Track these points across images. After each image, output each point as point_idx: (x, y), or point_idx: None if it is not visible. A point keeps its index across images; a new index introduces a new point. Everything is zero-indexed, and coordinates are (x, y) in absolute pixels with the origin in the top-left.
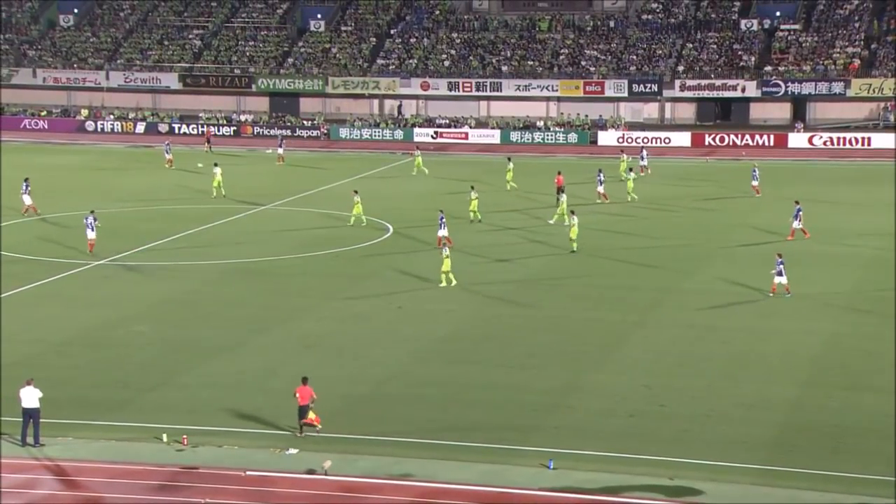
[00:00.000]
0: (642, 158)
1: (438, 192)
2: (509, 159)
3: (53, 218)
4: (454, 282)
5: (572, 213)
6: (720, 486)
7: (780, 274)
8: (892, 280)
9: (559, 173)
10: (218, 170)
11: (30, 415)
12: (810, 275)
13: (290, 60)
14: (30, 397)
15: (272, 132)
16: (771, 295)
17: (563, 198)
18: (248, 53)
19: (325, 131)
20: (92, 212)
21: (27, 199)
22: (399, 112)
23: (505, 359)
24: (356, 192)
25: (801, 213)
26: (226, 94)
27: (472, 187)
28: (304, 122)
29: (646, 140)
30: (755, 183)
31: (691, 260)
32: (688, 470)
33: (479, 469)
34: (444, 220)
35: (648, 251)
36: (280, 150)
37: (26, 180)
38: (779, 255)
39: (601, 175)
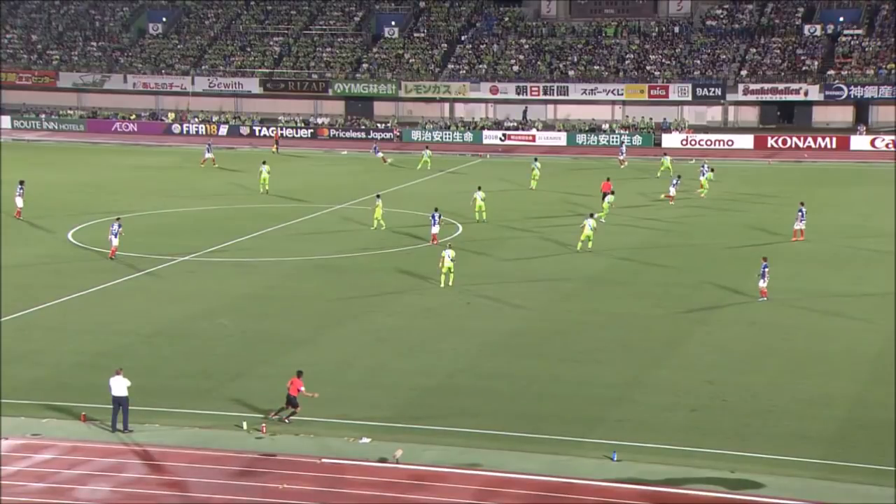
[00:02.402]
0: (702, 174)
1: (503, 192)
2: (536, 159)
3: (140, 216)
4: (448, 281)
5: (591, 215)
6: (780, 479)
7: (762, 276)
8: None
9: (608, 179)
10: (265, 167)
11: (119, 402)
12: (871, 274)
13: (365, 66)
14: (119, 386)
15: (347, 134)
16: (762, 299)
17: (610, 198)
18: (325, 59)
19: (398, 134)
20: (118, 219)
21: (19, 202)
22: (524, 116)
23: (571, 353)
24: (379, 196)
25: (803, 213)
26: (303, 98)
27: (480, 188)
28: (378, 125)
29: (708, 143)
30: (702, 178)
31: (753, 259)
32: (748, 463)
33: (545, 460)
34: (438, 217)
35: (708, 250)
36: (380, 154)
37: (21, 183)
38: (764, 258)
39: (676, 180)
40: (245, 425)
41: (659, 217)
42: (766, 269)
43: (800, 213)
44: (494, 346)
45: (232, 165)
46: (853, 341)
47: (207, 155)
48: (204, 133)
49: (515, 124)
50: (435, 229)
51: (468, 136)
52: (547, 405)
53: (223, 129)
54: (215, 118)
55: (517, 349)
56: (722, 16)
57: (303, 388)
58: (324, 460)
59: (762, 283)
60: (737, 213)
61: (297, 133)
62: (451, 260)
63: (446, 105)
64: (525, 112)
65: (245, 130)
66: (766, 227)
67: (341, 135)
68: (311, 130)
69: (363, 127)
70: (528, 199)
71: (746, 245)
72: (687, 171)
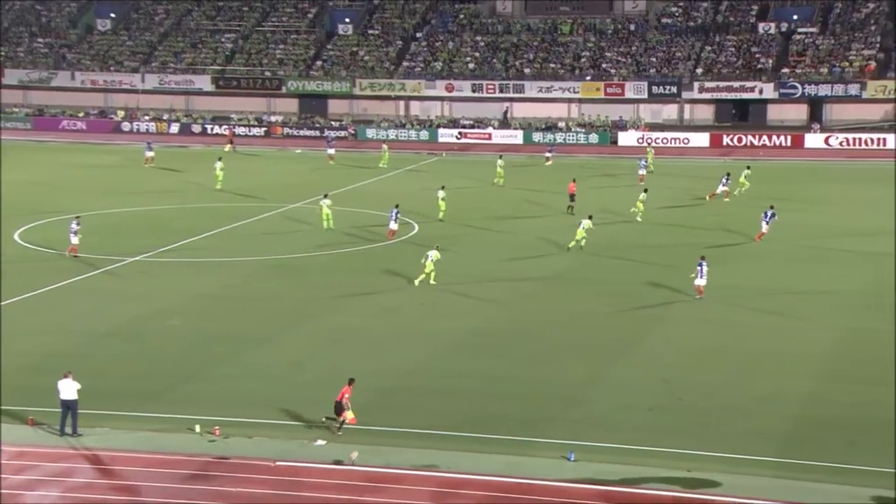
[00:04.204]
0: (723, 184)
1: (465, 190)
2: (501, 157)
3: (91, 215)
4: (427, 281)
5: (590, 217)
6: (737, 478)
7: (702, 275)
8: None
9: (574, 181)
10: (219, 164)
11: (68, 406)
12: (825, 272)
13: (319, 63)
14: (68, 389)
15: (301, 132)
16: (699, 297)
17: (644, 196)
18: (278, 56)
19: (353, 132)
20: (77, 217)
21: None
22: (505, 116)
23: (528, 353)
24: (326, 195)
25: (770, 216)
26: (256, 96)
27: (443, 187)
28: (332, 123)
29: (665, 141)
30: (642, 172)
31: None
32: (705, 462)
33: (501, 460)
34: (396, 214)
35: (668, 250)
36: (331, 151)
37: None
38: (702, 257)
39: (725, 178)
40: (198, 428)
41: (626, 216)
42: (703, 268)
43: (769, 215)
44: (451, 346)
45: (184, 164)
46: (806, 339)
47: (148, 153)
48: (155, 131)
49: (471, 122)
50: (393, 226)
51: (424, 135)
52: (504, 405)
53: (174, 128)
54: (166, 116)
55: (474, 349)
56: (677, 14)
57: (347, 396)
58: (278, 463)
59: (699, 282)
60: (708, 213)
61: (249, 131)
62: (433, 261)
63: (401, 103)
64: (506, 112)
65: (197, 129)
66: (730, 226)
67: (295, 133)
68: (265, 129)
69: (317, 125)
70: (491, 196)
71: (704, 244)
72: (714, 171)
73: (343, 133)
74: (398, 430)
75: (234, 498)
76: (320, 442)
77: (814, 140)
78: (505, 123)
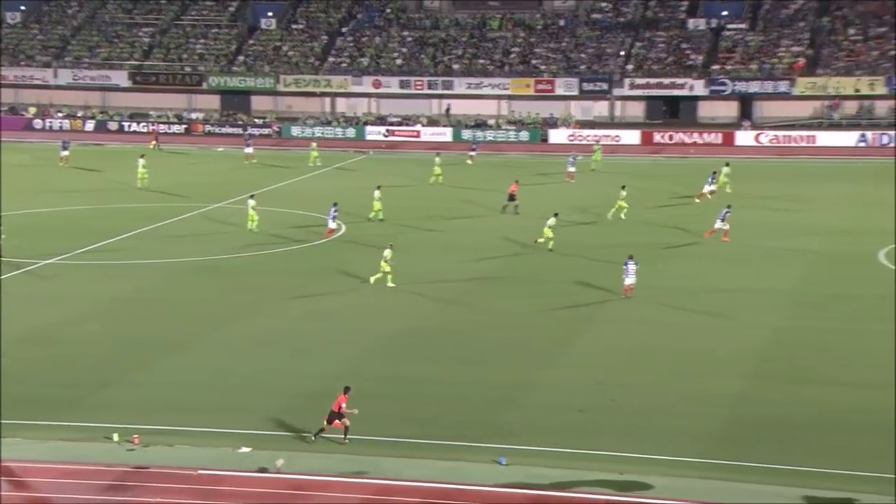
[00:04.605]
0: (709, 183)
1: (395, 190)
2: (438, 155)
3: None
4: (385, 281)
5: (556, 214)
6: (669, 479)
7: (629, 275)
8: (836, 276)
9: (516, 182)
10: (141, 161)
11: None
12: (755, 270)
13: (242, 58)
14: None
15: (223, 130)
16: (627, 296)
17: (623, 193)
18: (198, 51)
19: (277, 129)
20: None
21: None
22: (447, 112)
23: (457, 355)
24: (252, 196)
25: (728, 215)
26: (176, 92)
27: (379, 186)
28: (256, 121)
29: (595, 138)
30: (571, 170)
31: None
32: (637, 464)
33: (431, 465)
34: (335, 212)
35: (603, 249)
36: (249, 150)
37: None
38: (630, 256)
39: (712, 177)
40: (116, 437)
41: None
42: (630, 267)
43: (723, 213)
44: (381, 348)
45: (101, 163)
46: (737, 338)
47: (63, 153)
48: (69, 129)
49: (399, 119)
50: (332, 224)
51: (351, 132)
52: (434, 408)
53: (90, 125)
54: (81, 113)
55: (404, 351)
56: (607, 9)
57: (344, 405)
58: (200, 472)
59: (627, 281)
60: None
61: (169, 129)
62: (386, 260)
63: (327, 100)
64: (448, 109)
65: (113, 126)
66: (688, 226)
67: (217, 131)
68: (185, 126)
69: (240, 122)
70: (427, 195)
71: (637, 244)
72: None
73: (267, 131)
74: (325, 435)
75: None
76: (245, 449)
77: (744, 137)
78: (434, 121)
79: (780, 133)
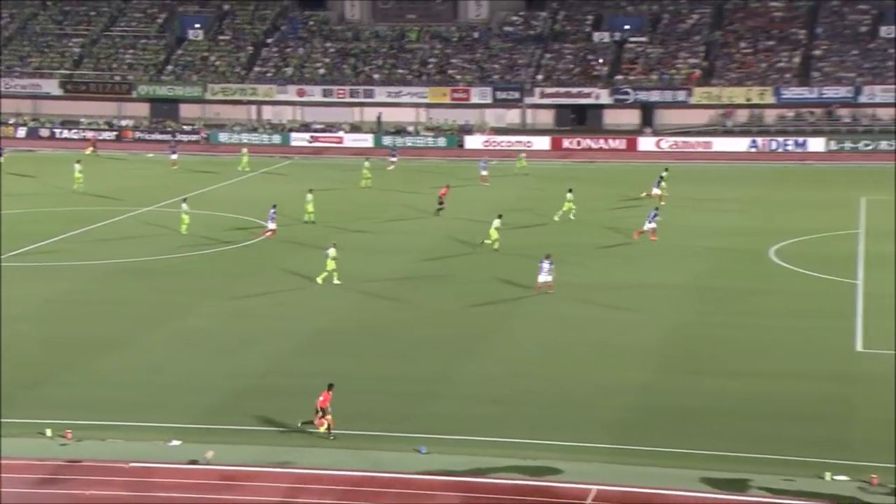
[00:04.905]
0: (656, 186)
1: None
2: (367, 160)
3: None
4: (331, 280)
5: (500, 216)
6: (578, 465)
7: (543, 272)
8: (732, 273)
9: (447, 186)
10: (77, 166)
11: None
12: (657, 267)
13: (170, 68)
14: None
15: (153, 137)
16: (542, 293)
17: (570, 195)
18: (127, 61)
19: (205, 136)
20: None
21: None
22: (379, 120)
23: (381, 350)
24: (185, 199)
25: (656, 216)
26: (106, 100)
27: (311, 190)
28: (185, 127)
29: (508, 144)
30: (484, 173)
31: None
32: (548, 451)
33: (355, 455)
34: (274, 214)
35: (525, 248)
36: (174, 156)
37: None
38: (547, 255)
39: (661, 178)
40: (49, 432)
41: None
42: (546, 265)
43: (651, 214)
44: (306, 345)
45: (33, 168)
46: (643, 332)
47: None
48: (1, 135)
49: (323, 126)
50: (272, 225)
51: (276, 139)
52: (357, 402)
53: (21, 132)
54: (12, 120)
55: (329, 348)
56: (518, 22)
57: (320, 400)
58: (132, 464)
59: (541, 278)
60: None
61: (100, 136)
62: (332, 258)
63: (254, 107)
64: (379, 117)
65: (45, 133)
66: (620, 226)
67: (146, 137)
68: (116, 133)
69: (169, 129)
70: (357, 198)
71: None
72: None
73: (196, 137)
74: (254, 428)
75: (87, 500)
76: (175, 442)
77: (646, 143)
78: (356, 128)
79: (679, 139)
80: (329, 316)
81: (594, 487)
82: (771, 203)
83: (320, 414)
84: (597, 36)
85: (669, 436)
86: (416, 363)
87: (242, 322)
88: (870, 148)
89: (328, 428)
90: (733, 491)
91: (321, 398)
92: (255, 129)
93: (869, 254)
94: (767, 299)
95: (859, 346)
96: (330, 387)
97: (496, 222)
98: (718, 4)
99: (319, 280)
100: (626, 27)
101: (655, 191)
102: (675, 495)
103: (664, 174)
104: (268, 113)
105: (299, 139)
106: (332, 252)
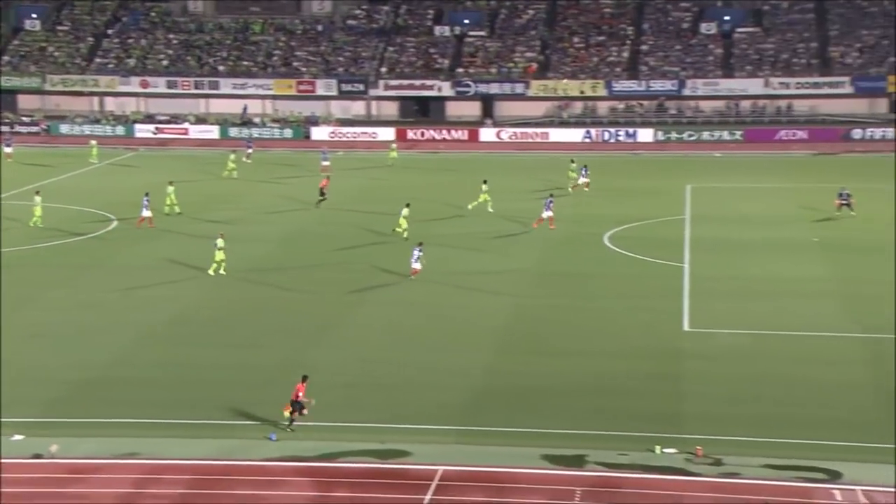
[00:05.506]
0: (584, 174)
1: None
2: (233, 152)
3: None
4: (220, 272)
5: (408, 205)
6: (425, 447)
7: (413, 259)
8: (569, 258)
9: (327, 177)
10: None
11: None
12: (504, 252)
13: (6, 58)
14: None
15: None
16: (412, 278)
17: (485, 187)
18: None
19: (45, 128)
20: None
21: None
22: (244, 112)
23: (229, 339)
24: (38, 192)
25: (552, 203)
26: None
27: (171, 182)
28: (24, 119)
29: (354, 135)
30: (325, 164)
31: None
32: (397, 434)
33: (205, 444)
34: (147, 202)
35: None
36: (8, 149)
37: None
38: (420, 243)
39: (585, 170)
40: None
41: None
42: (415, 253)
43: (548, 202)
44: (153, 336)
45: None
46: (487, 315)
47: None
48: None
49: (168, 118)
50: (146, 213)
51: (120, 130)
52: (206, 391)
53: None
54: None
55: (176, 338)
56: (361, 16)
57: (301, 394)
58: None
59: (416, 265)
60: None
61: None
62: (219, 248)
63: (95, 99)
64: (245, 109)
65: None
66: (515, 216)
67: None
68: None
69: (7, 120)
70: (221, 189)
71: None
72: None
73: (35, 129)
74: (100, 420)
75: None
76: (18, 437)
77: (487, 134)
78: (202, 119)
79: (518, 130)
80: (181, 306)
81: (441, 468)
82: (604, 191)
83: (291, 407)
84: (438, 30)
85: (511, 415)
86: (268, 351)
87: (90, 314)
88: (693, 138)
89: (290, 422)
90: (572, 466)
91: (296, 389)
92: (98, 121)
93: (694, 238)
94: (602, 282)
95: (686, 326)
96: (304, 378)
97: (405, 211)
98: (552, 0)
99: (211, 272)
100: (466, 22)
101: (583, 179)
102: (518, 473)
103: (572, 165)
104: (111, 104)
105: (144, 131)
106: (219, 242)
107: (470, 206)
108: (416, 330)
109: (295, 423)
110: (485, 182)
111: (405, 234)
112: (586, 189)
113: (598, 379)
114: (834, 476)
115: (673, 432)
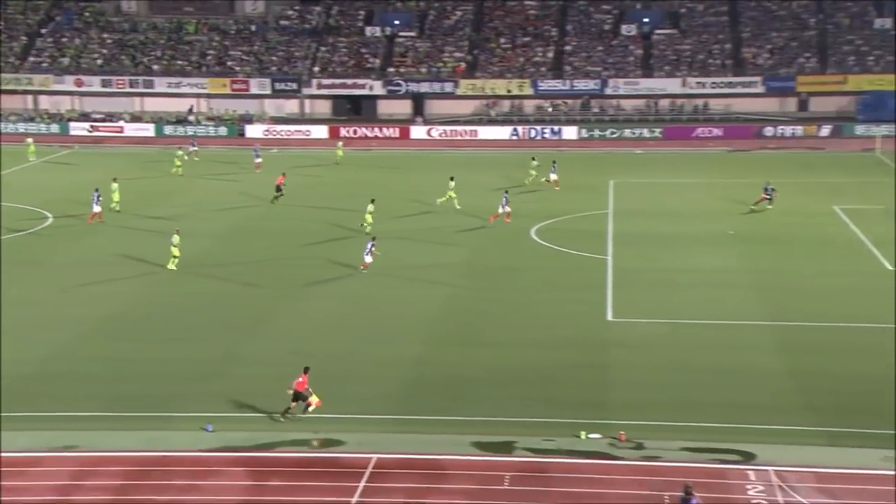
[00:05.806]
0: (552, 170)
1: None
2: (180, 149)
3: None
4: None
5: (372, 200)
6: (358, 436)
7: (368, 254)
8: (498, 252)
9: (283, 174)
10: None
11: None
12: (454, 244)
13: None
14: None
15: None
16: (364, 271)
17: (452, 183)
18: None
19: None
20: None
21: None
22: (190, 112)
23: (165, 334)
24: None
25: (507, 199)
26: None
27: (115, 179)
28: None
29: (288, 133)
30: (258, 161)
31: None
32: (330, 424)
33: (141, 436)
34: (98, 197)
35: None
36: None
37: None
38: (373, 238)
39: (554, 166)
40: None
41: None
42: (369, 246)
43: (504, 199)
44: (90, 331)
45: None
46: (419, 307)
47: None
48: None
49: (103, 116)
50: (96, 208)
51: (55, 128)
52: (141, 385)
53: None
54: None
55: (113, 333)
56: (294, 16)
57: (301, 386)
58: None
59: (367, 258)
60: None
61: None
62: (175, 245)
63: (30, 97)
64: (191, 109)
65: None
66: (474, 211)
67: None
68: None
69: None
70: (169, 186)
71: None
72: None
73: None
74: (36, 414)
75: None
76: None
77: (418, 132)
78: (137, 118)
79: (448, 128)
80: (120, 302)
81: (374, 456)
82: (531, 186)
83: (293, 397)
84: (369, 30)
85: (442, 404)
86: (202, 344)
87: (23, 310)
88: (616, 136)
89: (285, 410)
90: (501, 453)
91: (298, 380)
92: (32, 119)
93: (617, 231)
94: (529, 275)
95: (610, 316)
96: (306, 370)
97: (370, 207)
98: (479, 2)
99: (171, 266)
100: (396, 22)
101: (553, 176)
102: (449, 460)
103: (533, 163)
104: (45, 103)
105: (79, 129)
106: (175, 239)
107: (438, 202)
108: (352, 322)
109: (289, 413)
110: (451, 179)
111: (368, 230)
112: (556, 188)
113: (526, 368)
114: (748, 457)
115: (597, 418)
